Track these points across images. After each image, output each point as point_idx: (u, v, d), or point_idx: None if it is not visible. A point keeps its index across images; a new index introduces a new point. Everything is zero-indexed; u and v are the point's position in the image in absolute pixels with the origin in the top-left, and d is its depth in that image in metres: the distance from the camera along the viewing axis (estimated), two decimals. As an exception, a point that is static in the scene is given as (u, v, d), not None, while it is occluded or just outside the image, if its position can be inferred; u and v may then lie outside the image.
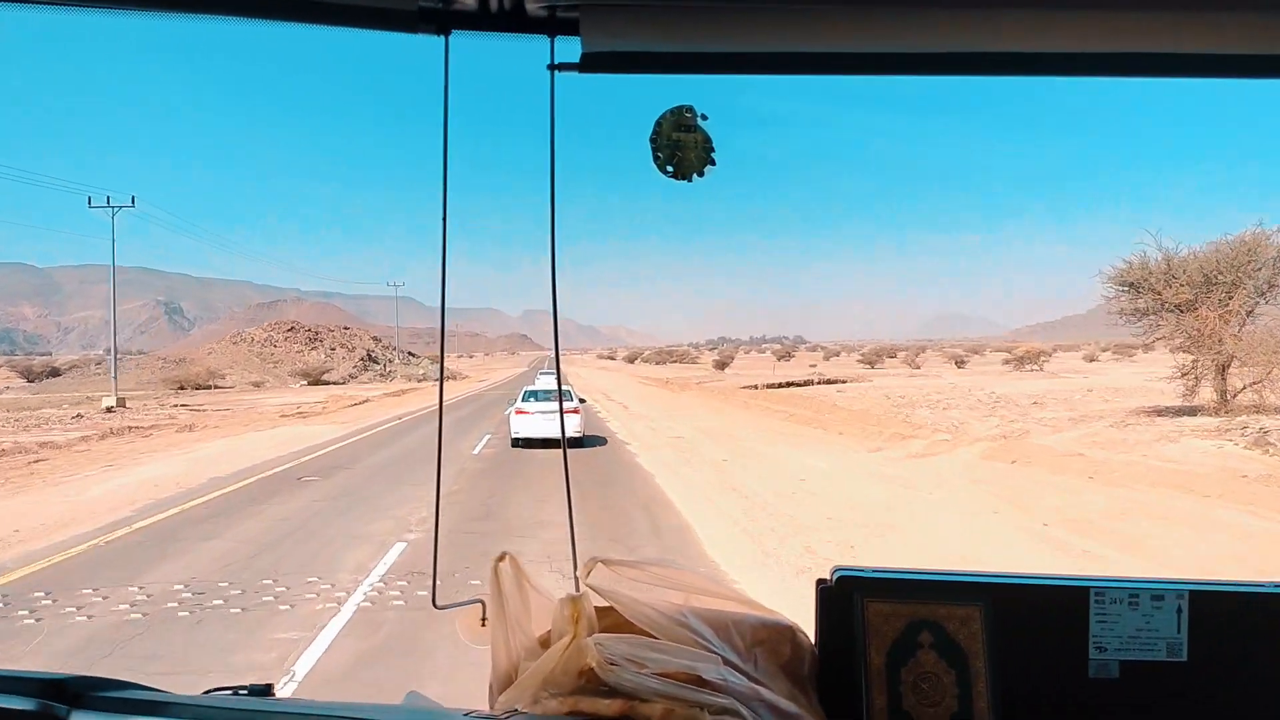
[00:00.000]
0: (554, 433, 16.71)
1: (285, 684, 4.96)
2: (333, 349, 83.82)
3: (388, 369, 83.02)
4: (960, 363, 75.67)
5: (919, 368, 71.19)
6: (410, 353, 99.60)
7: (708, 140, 0.97)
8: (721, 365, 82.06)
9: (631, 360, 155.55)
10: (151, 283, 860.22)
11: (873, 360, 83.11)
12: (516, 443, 17.65)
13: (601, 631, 0.98)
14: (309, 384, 72.84)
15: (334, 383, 73.92)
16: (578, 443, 17.86)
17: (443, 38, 0.88)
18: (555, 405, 17.23)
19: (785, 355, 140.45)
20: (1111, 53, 0.89)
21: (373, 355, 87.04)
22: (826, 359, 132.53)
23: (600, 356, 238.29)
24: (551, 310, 1.13)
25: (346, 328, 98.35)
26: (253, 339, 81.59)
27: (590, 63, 0.88)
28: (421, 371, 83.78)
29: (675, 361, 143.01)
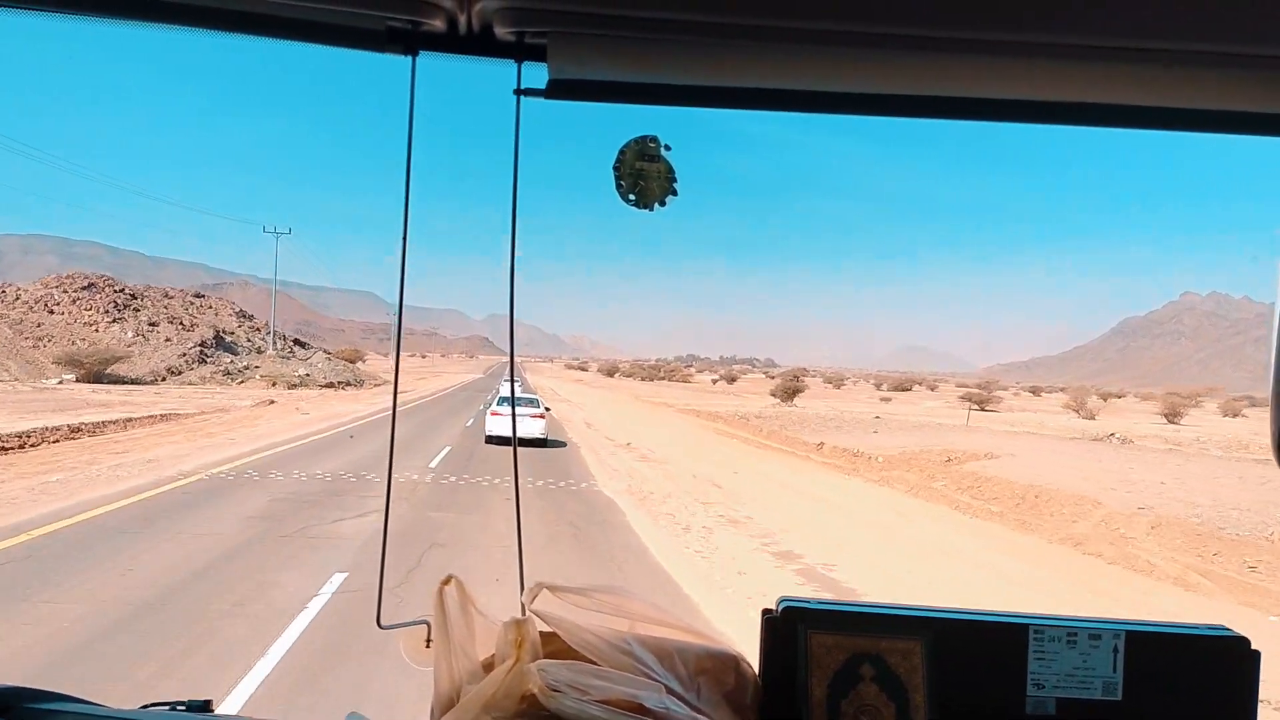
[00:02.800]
0: (526, 432, 19.54)
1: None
2: (153, 324, 53.09)
3: (246, 363, 52.86)
4: (1173, 416, 48.50)
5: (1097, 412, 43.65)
6: (298, 341, 68.20)
7: (670, 171, 0.95)
8: (790, 394, 53.86)
9: (610, 374, 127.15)
10: (100, 257, 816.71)
11: (982, 399, 55.46)
12: (491, 440, 19.53)
13: (545, 657, 0.96)
14: (80, 379, 42.92)
15: (131, 381, 44.14)
16: (542, 444, 19.87)
17: (410, 58, 0.86)
18: (527, 410, 20.40)
19: (793, 380, 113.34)
20: (1089, 103, 0.88)
21: (225, 340, 56.25)
22: (836, 388, 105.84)
23: (569, 367, 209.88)
24: (509, 328, 1.12)
25: (199, 295, 66.93)
26: (17, 297, 51.16)
27: (556, 89, 0.87)
28: (304, 372, 53.17)
29: (663, 379, 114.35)
